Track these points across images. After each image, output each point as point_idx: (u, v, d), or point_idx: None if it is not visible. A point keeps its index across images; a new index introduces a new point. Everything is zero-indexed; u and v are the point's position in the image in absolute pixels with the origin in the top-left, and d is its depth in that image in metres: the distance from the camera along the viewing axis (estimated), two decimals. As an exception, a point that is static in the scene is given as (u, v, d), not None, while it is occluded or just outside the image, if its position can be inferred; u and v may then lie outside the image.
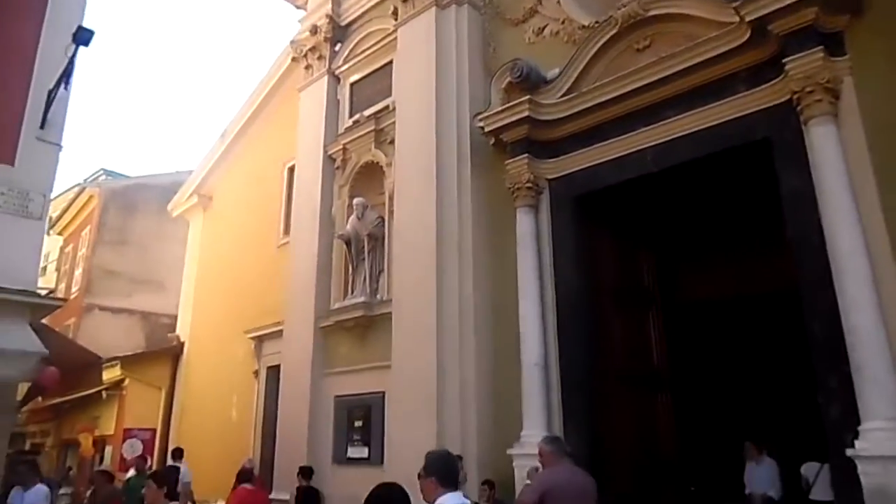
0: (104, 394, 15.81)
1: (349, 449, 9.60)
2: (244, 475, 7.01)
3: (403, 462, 8.39)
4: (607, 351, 8.30)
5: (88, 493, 10.76)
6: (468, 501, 3.41)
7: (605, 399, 8.05)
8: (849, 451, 5.72)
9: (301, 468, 8.29)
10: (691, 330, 9.74)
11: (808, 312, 6.48)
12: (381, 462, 9.11)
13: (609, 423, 7.91)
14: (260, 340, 13.42)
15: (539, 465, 5.12)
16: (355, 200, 10.58)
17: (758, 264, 8.26)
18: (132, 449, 13.65)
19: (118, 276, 20.75)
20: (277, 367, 12.02)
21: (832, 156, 6.32)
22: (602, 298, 8.45)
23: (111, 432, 15.63)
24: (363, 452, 9.15)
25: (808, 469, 8.00)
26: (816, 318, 6.36)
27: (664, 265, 9.12)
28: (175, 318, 17.40)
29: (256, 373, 13.38)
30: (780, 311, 8.60)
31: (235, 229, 15.10)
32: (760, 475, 8.18)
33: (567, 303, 8.22)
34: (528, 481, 4.98)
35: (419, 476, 3.47)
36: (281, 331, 11.76)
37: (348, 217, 10.74)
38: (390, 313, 9.54)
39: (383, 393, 9.46)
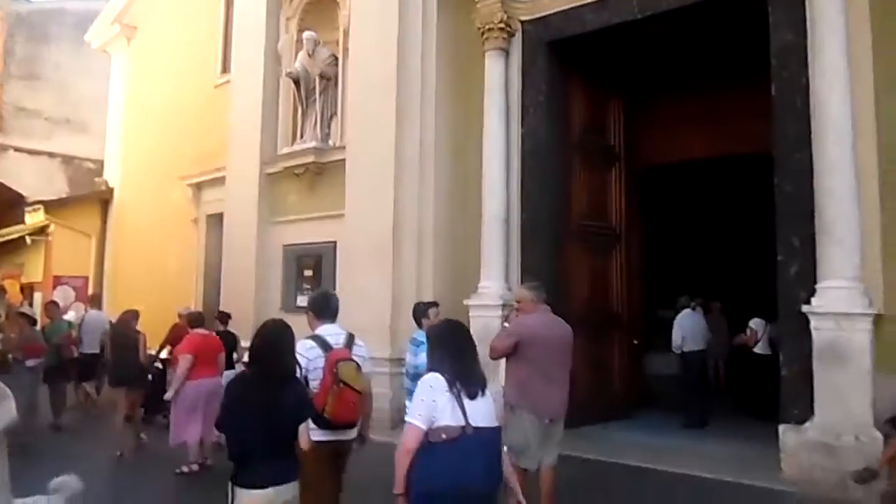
0: (28, 239, 14.86)
1: (298, 298, 9.38)
2: (197, 320, 6.68)
3: (356, 311, 8.29)
4: (569, 206, 8.15)
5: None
6: (342, 331, 3.78)
7: (564, 254, 8.01)
8: (804, 308, 5.88)
9: (219, 312, 7.87)
10: (655, 190, 9.70)
11: (780, 173, 6.39)
12: (333, 311, 8.96)
13: (566, 279, 7.92)
14: (198, 187, 12.67)
15: (516, 310, 5.00)
16: (305, 35, 9.58)
17: (733, 125, 8.08)
18: (64, 296, 13.11)
19: (34, 114, 18.87)
20: (219, 215, 11.44)
21: (833, 10, 5.95)
22: (568, 152, 8.16)
23: (39, 279, 14.90)
24: (314, 301, 8.94)
25: (757, 324, 8.41)
26: (789, 179, 6.29)
27: (634, 122, 8.82)
28: (101, 162, 16.23)
29: (196, 221, 12.76)
30: (749, 175, 8.62)
31: (166, 65, 13.74)
32: (686, 325, 8.54)
33: (533, 155, 7.90)
34: (507, 324, 4.84)
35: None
36: (222, 177, 11.06)
37: (297, 54, 9.79)
38: (344, 160, 9.01)
39: (335, 243, 9.15)
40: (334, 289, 9.07)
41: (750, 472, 6.09)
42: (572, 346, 4.79)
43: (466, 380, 2.81)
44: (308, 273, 9.46)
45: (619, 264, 8.67)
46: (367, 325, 6.81)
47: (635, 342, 8.86)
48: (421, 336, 4.51)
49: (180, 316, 8.24)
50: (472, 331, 7.31)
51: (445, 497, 2.65)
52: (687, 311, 8.61)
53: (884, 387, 5.56)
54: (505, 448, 2.92)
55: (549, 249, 7.85)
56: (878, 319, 5.64)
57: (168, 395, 6.31)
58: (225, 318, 7.86)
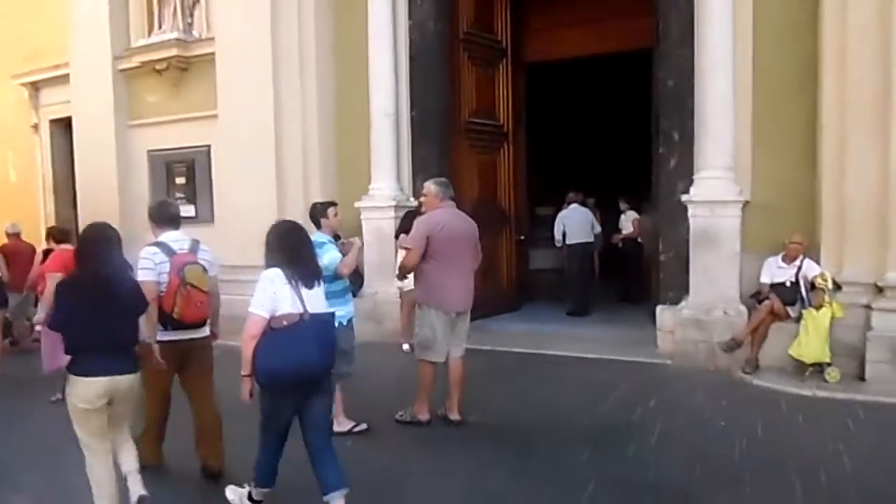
0: None
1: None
2: (61, 235, 5.95)
3: (237, 219, 7.83)
4: (458, 103, 7.99)
5: None
6: (186, 238, 3.84)
7: (454, 152, 7.93)
8: (683, 197, 6.27)
9: (52, 229, 6.76)
10: (541, 87, 9.72)
11: (663, 68, 6.61)
12: (212, 220, 8.42)
13: (456, 177, 7.84)
14: (35, 87, 11.14)
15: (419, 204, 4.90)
16: None
17: (618, 22, 8.13)
18: None
19: None
20: (65, 119, 10.14)
21: None
22: (456, 47, 7.91)
23: None
24: (189, 211, 8.30)
25: (633, 216, 9.01)
26: (671, 74, 6.51)
27: (520, 19, 8.67)
28: None
29: (36, 126, 11.27)
30: (633, 72, 8.83)
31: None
32: (572, 219, 8.93)
33: (421, 49, 7.59)
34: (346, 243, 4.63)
35: None
36: (66, 75, 9.71)
37: (147, -73, 8.55)
38: (213, 54, 8.18)
39: (209, 146, 8.45)
40: (211, 196, 8.53)
41: (630, 350, 6.63)
42: (477, 241, 4.81)
43: (303, 273, 3.11)
44: (181, 181, 8.73)
45: (507, 162, 8.76)
46: (250, 233, 6.42)
47: (521, 238, 9.13)
48: (321, 237, 4.30)
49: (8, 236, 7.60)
50: (365, 234, 7.37)
51: (286, 375, 2.97)
52: (574, 205, 8.96)
53: (748, 266, 6.16)
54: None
55: (439, 147, 7.72)
56: (745, 206, 6.15)
57: (38, 318, 5.67)
58: (61, 234, 6.29)
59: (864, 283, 5.64)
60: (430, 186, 4.79)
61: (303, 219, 4.35)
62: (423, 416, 4.67)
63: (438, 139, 7.72)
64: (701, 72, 6.18)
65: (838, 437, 4.33)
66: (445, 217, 4.64)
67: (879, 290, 5.54)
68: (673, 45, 6.50)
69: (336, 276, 4.20)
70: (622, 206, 9.48)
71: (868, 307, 5.55)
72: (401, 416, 4.73)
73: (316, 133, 7.88)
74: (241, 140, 7.95)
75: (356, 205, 7.63)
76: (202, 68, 8.39)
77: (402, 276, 5.14)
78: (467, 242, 4.69)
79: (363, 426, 4.54)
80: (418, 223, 4.68)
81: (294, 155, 7.87)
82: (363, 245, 4.96)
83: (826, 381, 5.44)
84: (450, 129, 7.88)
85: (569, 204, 9.03)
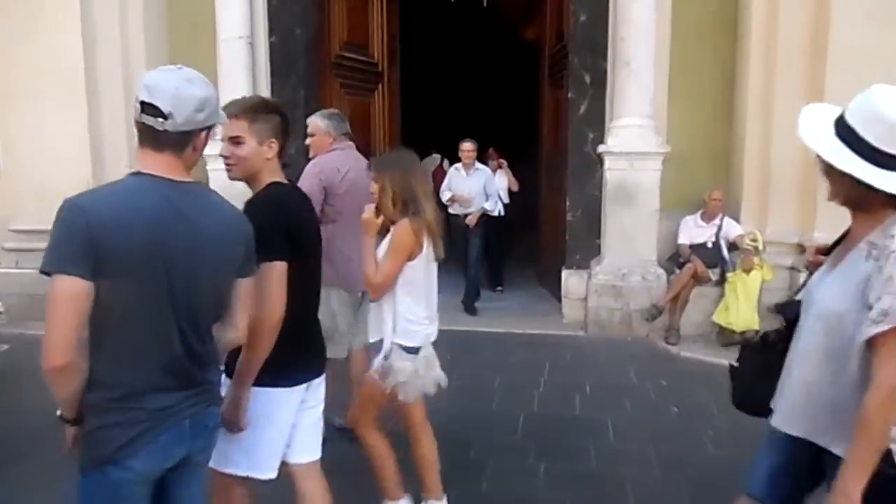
0: None
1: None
2: None
3: (44, 168, 5.93)
4: (327, 32, 6.60)
5: None
6: None
7: (323, 89, 6.57)
8: (601, 148, 5.54)
9: None
10: (417, 23, 8.52)
11: (577, 2, 5.75)
12: (-4, 171, 6.34)
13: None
14: None
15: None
16: None
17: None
18: None
19: None
20: None
21: None
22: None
23: None
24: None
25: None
26: (585, 7, 5.69)
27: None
28: None
29: None
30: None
31: None
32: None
33: (281, -41, 6.08)
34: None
35: None
36: None
37: None
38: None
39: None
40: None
41: (537, 321, 5.88)
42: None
43: None
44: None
45: (382, 107, 7.53)
46: (63, 185, 4.73)
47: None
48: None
49: None
50: (212, 188, 5.84)
51: None
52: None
53: (665, 225, 5.60)
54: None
55: (305, 82, 6.33)
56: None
57: None
58: None
59: (788, 243, 5.30)
60: (316, 121, 3.54)
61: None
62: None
63: (304, 73, 6.30)
64: (623, 7, 5.39)
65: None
66: (345, 161, 3.42)
67: (804, 250, 5.22)
68: (586, -28, 5.67)
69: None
70: (491, 163, 7.62)
71: (793, 269, 5.22)
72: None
73: (143, 61, 6.11)
74: (39, 72, 5.93)
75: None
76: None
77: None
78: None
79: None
80: (307, 172, 3.41)
81: (113, 89, 6.04)
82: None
83: (754, 349, 5.04)
84: (317, 61, 6.49)
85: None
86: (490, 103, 11.68)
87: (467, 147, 6.61)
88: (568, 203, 6.02)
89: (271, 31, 6.20)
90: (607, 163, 5.52)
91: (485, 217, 6.58)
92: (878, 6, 4.84)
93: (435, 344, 2.63)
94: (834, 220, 4.98)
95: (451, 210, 6.52)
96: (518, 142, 9.09)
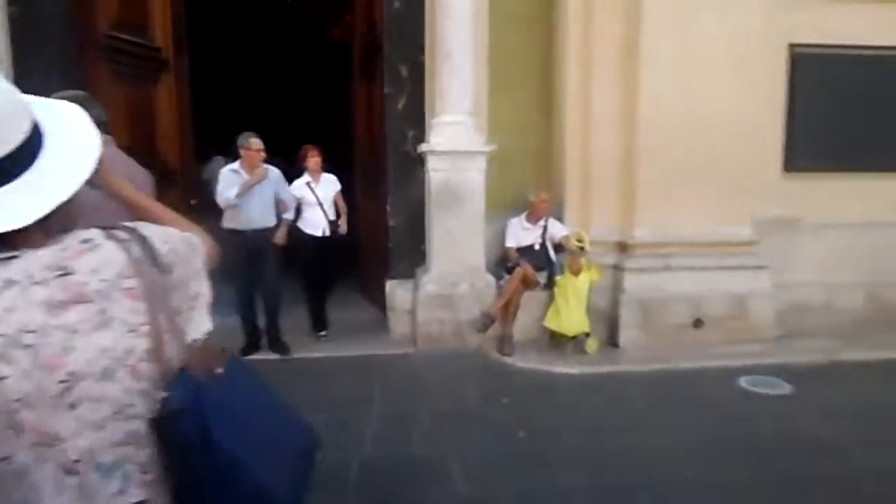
0: None
1: None
2: None
3: None
4: (88, 6, 5.42)
5: None
6: None
7: (86, 75, 5.37)
8: (423, 147, 5.08)
9: None
10: (221, 15, 7.45)
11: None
12: None
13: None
14: None
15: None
16: None
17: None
18: None
19: None
20: None
21: None
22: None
23: None
24: None
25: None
26: (398, -8, 5.21)
27: None
28: None
29: None
30: None
31: None
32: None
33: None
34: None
35: None
36: None
37: None
38: None
39: None
40: None
41: (361, 341, 5.28)
42: (155, 191, 2.83)
43: None
44: None
45: (169, 99, 6.43)
46: None
47: (193, 202, 6.95)
48: None
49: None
50: None
51: None
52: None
53: (491, 228, 5.31)
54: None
55: (60, 67, 5.12)
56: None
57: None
58: None
59: (611, 242, 5.26)
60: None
61: None
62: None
63: (58, 54, 5.09)
64: (442, -5, 4.99)
65: (639, 419, 3.70)
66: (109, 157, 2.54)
67: (624, 249, 5.22)
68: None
69: None
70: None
71: (617, 267, 5.18)
72: None
73: None
74: None
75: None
76: None
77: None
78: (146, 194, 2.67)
79: None
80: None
81: None
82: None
83: (586, 352, 4.92)
84: (77, 40, 5.29)
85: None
86: (301, 100, 10.84)
87: (315, 153, 5.39)
88: (388, 208, 5.51)
89: (11, 0, 4.92)
90: (429, 163, 5.08)
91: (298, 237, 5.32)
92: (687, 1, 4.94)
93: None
94: (653, 217, 5.11)
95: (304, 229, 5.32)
96: (329, 142, 8.41)
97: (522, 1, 5.38)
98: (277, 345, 5.00)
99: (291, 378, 4.39)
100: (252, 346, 4.99)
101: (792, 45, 5.56)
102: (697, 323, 5.11)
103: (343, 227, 5.46)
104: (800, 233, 5.65)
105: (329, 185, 5.45)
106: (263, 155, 4.91)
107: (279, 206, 4.98)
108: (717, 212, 5.15)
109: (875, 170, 5.75)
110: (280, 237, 4.94)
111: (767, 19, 5.11)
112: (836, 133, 5.66)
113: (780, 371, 4.58)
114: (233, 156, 6.32)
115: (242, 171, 4.88)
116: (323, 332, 5.43)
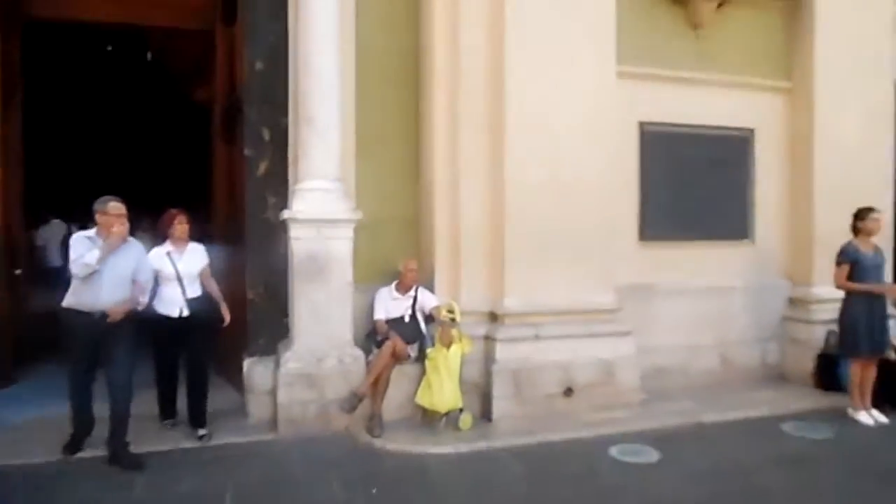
0: None
1: None
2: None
3: None
4: None
5: None
6: None
7: None
8: (286, 214, 4.78)
9: None
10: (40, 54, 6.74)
11: (251, 46, 5.02)
12: None
13: None
14: None
15: None
16: None
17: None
18: None
19: None
20: None
21: None
22: None
23: None
24: None
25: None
26: (261, 53, 4.99)
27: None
28: None
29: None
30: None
31: None
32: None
33: None
34: None
35: None
36: None
37: None
38: None
39: None
40: None
41: (215, 428, 4.71)
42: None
43: None
44: None
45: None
46: None
47: (17, 271, 6.11)
48: None
49: None
50: None
51: None
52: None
53: (359, 299, 5.05)
54: None
55: None
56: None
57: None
58: None
59: (481, 312, 5.17)
60: None
61: None
62: None
63: None
64: (306, 52, 4.79)
65: (515, 498, 3.53)
66: None
67: (495, 319, 5.15)
68: (261, 18, 4.99)
69: None
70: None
71: (488, 338, 5.08)
72: None
73: None
74: None
75: None
76: None
77: None
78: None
79: None
80: None
81: None
82: None
83: (460, 428, 4.71)
84: None
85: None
86: (166, 163, 10.14)
87: (183, 219, 4.66)
88: (248, 278, 5.11)
89: None
90: (292, 231, 4.78)
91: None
92: (546, 64, 5.11)
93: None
94: (521, 285, 5.10)
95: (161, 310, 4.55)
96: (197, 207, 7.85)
97: (390, 63, 5.32)
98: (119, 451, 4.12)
99: (128, 479, 3.81)
100: (78, 441, 4.24)
101: (641, 123, 5.94)
102: (568, 392, 5.10)
103: (226, 316, 4.73)
104: (655, 298, 5.91)
105: (195, 257, 4.70)
106: (126, 223, 4.08)
107: (134, 285, 4.21)
108: (581, 279, 5.24)
109: (710, 238, 6.19)
110: (116, 310, 4.01)
111: (619, 99, 5.44)
112: (678, 204, 6.06)
113: (648, 437, 4.63)
114: (78, 222, 5.62)
115: (98, 240, 4.05)
116: (203, 432, 4.55)
